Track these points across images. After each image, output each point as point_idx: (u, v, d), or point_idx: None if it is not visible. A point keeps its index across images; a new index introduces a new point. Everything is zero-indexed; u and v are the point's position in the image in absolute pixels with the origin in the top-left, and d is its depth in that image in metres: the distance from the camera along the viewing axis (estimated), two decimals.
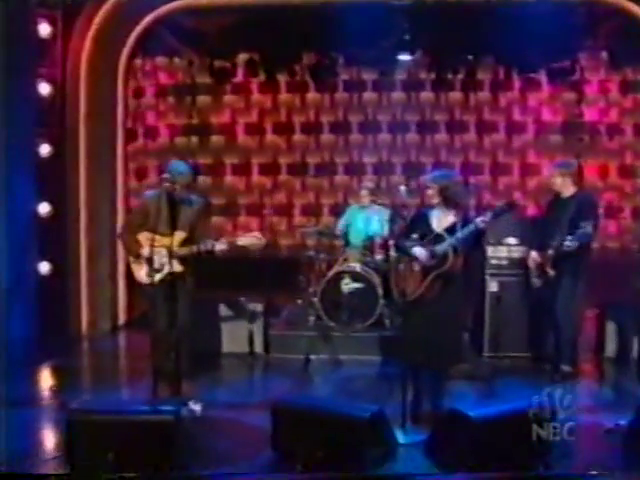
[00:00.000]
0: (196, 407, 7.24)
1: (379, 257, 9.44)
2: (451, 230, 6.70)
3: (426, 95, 12.89)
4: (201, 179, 13.25)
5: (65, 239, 10.07)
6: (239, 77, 12.99)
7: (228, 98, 13.26)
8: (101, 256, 10.28)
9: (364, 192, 9.94)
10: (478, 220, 6.58)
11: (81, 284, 10.20)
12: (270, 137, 13.26)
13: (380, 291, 9.07)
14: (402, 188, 7.13)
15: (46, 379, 8.60)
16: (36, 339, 9.29)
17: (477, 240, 6.80)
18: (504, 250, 8.86)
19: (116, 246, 10.30)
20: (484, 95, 12.79)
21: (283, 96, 13.19)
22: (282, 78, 12.96)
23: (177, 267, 7.39)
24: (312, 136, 13.18)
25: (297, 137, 13.21)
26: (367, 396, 7.76)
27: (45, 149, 9.80)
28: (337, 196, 13.12)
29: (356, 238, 9.84)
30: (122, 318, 10.69)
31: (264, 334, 9.18)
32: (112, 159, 10.44)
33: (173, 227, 7.44)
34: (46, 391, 8.04)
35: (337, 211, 12.58)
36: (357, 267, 9.29)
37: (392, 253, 8.63)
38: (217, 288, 9.38)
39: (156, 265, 7.35)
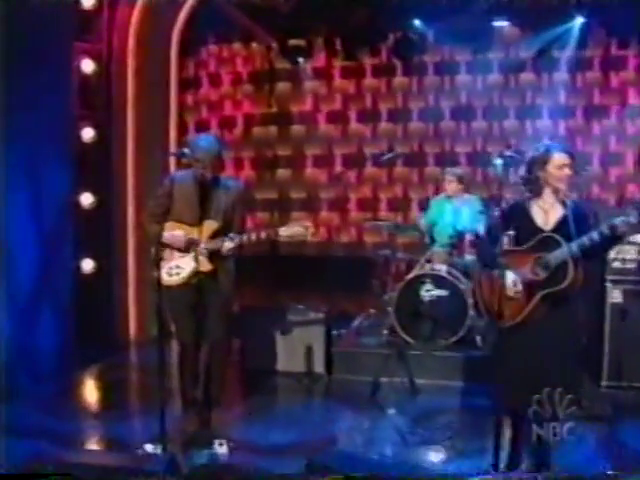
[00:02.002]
0: (221, 450, 4.96)
1: (470, 258, 6.86)
2: (562, 228, 4.15)
3: (526, 76, 10.16)
4: (281, 172, 10.98)
5: (110, 234, 7.89)
6: (319, 62, 10.61)
7: (309, 84, 10.89)
8: (149, 253, 7.99)
9: (450, 177, 7.35)
10: (618, 221, 3.98)
11: (128, 284, 7.99)
12: (354, 125, 10.81)
13: (470, 300, 6.50)
14: (497, 161, 4.49)
15: (79, 398, 6.42)
16: (72, 346, 7.15)
17: (608, 247, 4.21)
18: (631, 250, 6.11)
19: None
20: (593, 75, 9.97)
21: (367, 81, 10.70)
22: (366, 61, 10.50)
23: (205, 265, 5.17)
24: (400, 124, 10.67)
25: (383, 125, 10.72)
26: (450, 435, 5.30)
27: (88, 134, 7.66)
28: (427, 189, 10.53)
29: (442, 235, 7.26)
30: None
31: (325, 350, 6.70)
32: (164, 146, 8.17)
33: (203, 216, 5.23)
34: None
35: (427, 205, 10.12)
36: (442, 270, 6.73)
37: None
38: (267, 292, 7.00)
39: (179, 262, 5.20)
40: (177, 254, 5.28)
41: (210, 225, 5.23)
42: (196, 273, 5.22)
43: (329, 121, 10.87)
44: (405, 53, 9.44)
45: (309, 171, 10.96)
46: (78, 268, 7.64)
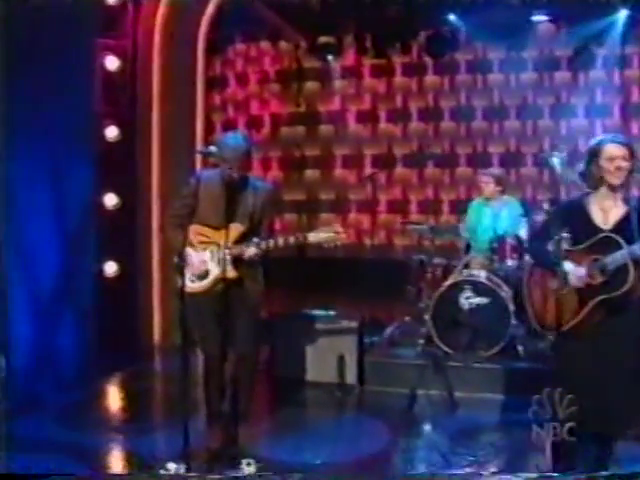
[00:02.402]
0: (249, 469, 4.49)
1: (511, 263, 6.32)
2: (623, 228, 3.65)
3: (561, 75, 9.59)
4: (309, 172, 10.51)
5: (134, 236, 7.45)
6: (349, 60, 10.12)
7: (337, 83, 10.41)
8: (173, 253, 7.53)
9: (487, 179, 6.81)
10: None
11: (153, 287, 7.55)
12: (384, 125, 10.31)
13: (512, 307, 5.98)
14: (555, 157, 3.95)
15: (101, 409, 5.97)
16: (94, 353, 6.72)
17: None
18: None
19: None
20: (632, 73, 9.38)
21: (398, 79, 10.21)
22: (396, 59, 9.99)
23: (230, 272, 4.67)
24: (431, 124, 10.15)
25: (414, 125, 10.21)
26: (494, 455, 4.77)
27: (112, 132, 7.22)
28: (459, 191, 10.00)
29: (481, 239, 6.71)
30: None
31: (358, 360, 6.18)
32: (190, 145, 7.69)
33: (229, 218, 4.71)
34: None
35: (459, 207, 9.59)
36: (482, 276, 6.20)
37: (528, 259, 5.62)
38: (295, 297, 6.52)
39: (201, 267, 4.74)
40: (200, 259, 4.81)
41: (236, 228, 4.75)
42: (221, 280, 4.76)
43: (358, 121, 10.39)
44: (437, 50, 8.90)
45: (338, 172, 10.49)
46: (101, 271, 7.21)
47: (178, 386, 5.17)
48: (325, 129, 10.48)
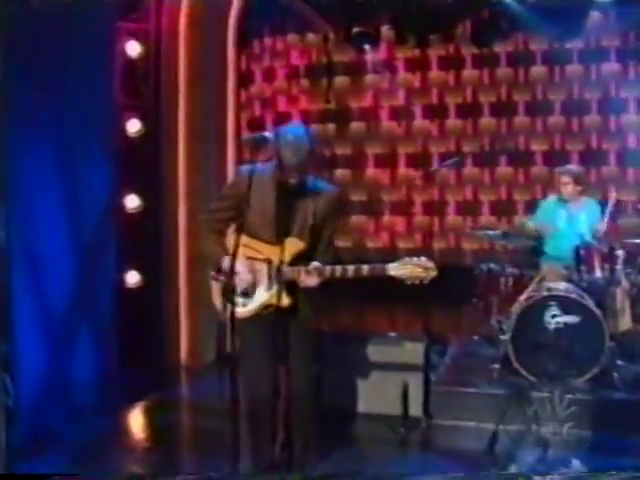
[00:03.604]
0: None
1: (597, 275, 5.04)
2: None
3: (609, 67, 8.33)
4: (340, 172, 9.27)
5: (159, 242, 6.18)
6: (382, 54, 8.88)
7: (370, 78, 9.17)
8: (207, 264, 6.24)
9: (566, 178, 5.53)
10: None
11: (180, 300, 6.28)
12: (419, 122, 9.06)
13: (606, 328, 4.74)
14: None
15: (122, 444, 4.72)
16: (114, 376, 5.48)
17: None
18: None
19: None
20: None
21: (434, 74, 8.98)
22: (432, 52, 8.75)
23: (284, 298, 3.51)
24: (469, 120, 8.90)
25: (451, 122, 8.96)
26: None
27: (134, 126, 5.95)
28: (499, 192, 8.76)
29: (556, 245, 5.46)
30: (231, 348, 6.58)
31: (425, 389, 4.89)
32: (222, 141, 6.42)
33: (284, 231, 3.55)
34: None
35: (504, 210, 8.43)
36: (569, 290, 4.94)
37: (620, 268, 4.40)
38: (349, 314, 5.25)
39: (246, 288, 3.60)
40: (246, 279, 3.59)
41: (293, 245, 3.54)
42: (270, 306, 3.54)
43: (392, 117, 9.14)
44: (482, 41, 7.61)
45: (370, 171, 9.24)
46: (122, 282, 5.96)
47: (212, 415, 4.02)
48: (356, 126, 9.26)
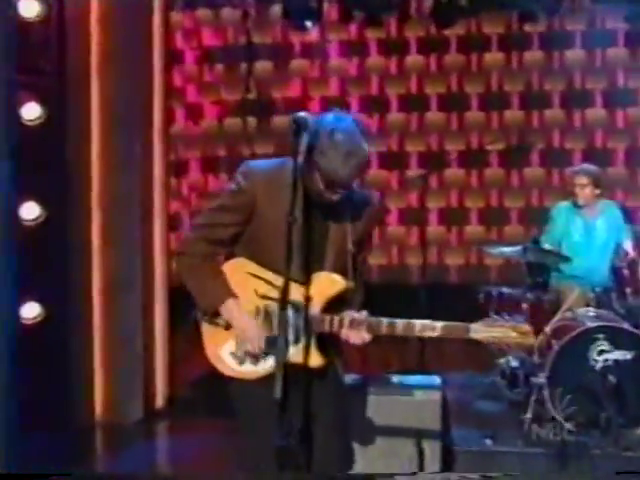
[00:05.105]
0: None
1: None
2: None
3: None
4: None
5: (66, 264, 5.08)
6: (312, 35, 8.13)
7: (298, 63, 8.40)
8: (127, 295, 5.20)
9: (583, 180, 4.94)
10: None
11: (94, 341, 5.19)
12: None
13: None
14: None
15: None
16: (10, 439, 4.34)
17: None
18: None
19: (153, 278, 5.34)
20: None
21: (373, 60, 8.33)
22: (378, 34, 8.10)
23: (315, 358, 2.65)
24: (414, 114, 8.30)
25: (393, 116, 8.32)
26: None
27: (32, 111, 4.84)
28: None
29: (571, 262, 4.83)
30: (162, 398, 5.51)
31: (442, 446, 4.06)
32: (147, 133, 5.40)
33: (316, 263, 2.68)
34: None
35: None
36: (616, 319, 4.34)
37: None
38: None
39: (257, 340, 2.69)
40: (257, 327, 2.69)
41: (328, 282, 2.66)
42: (293, 366, 2.65)
43: (323, 110, 8.36)
44: (443, 19, 7.00)
45: None
46: (17, 316, 4.81)
47: None
48: (281, 121, 8.44)
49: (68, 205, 5.05)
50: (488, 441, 4.16)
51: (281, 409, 2.39)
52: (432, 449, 4.01)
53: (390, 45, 8.17)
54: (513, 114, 8.02)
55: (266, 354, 2.65)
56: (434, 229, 7.97)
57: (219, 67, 8.40)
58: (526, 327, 2.59)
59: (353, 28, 8.16)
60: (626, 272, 4.41)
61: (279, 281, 2.54)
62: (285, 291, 2.43)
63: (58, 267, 5.03)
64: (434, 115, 8.22)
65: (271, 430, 2.56)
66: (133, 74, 5.19)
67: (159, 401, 5.40)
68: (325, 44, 8.21)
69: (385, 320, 2.61)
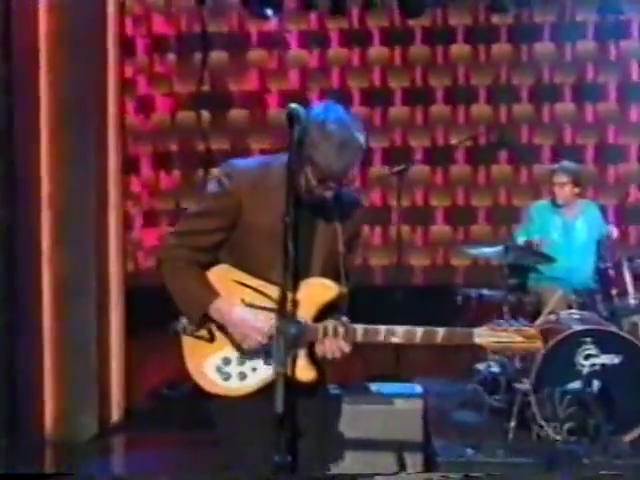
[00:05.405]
0: None
1: (633, 302, 4.34)
2: None
3: (629, 44, 7.70)
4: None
5: (14, 270, 4.79)
6: (270, 24, 7.96)
7: (255, 54, 8.21)
8: (80, 299, 4.92)
9: (563, 177, 4.84)
10: None
11: (44, 350, 4.92)
12: None
13: None
14: None
15: None
16: None
17: None
18: None
19: (108, 280, 5.08)
20: None
21: (334, 51, 8.19)
22: (341, 24, 7.97)
23: (305, 370, 2.50)
24: (377, 109, 8.18)
25: (355, 110, 8.19)
26: None
27: None
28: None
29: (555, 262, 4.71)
30: (118, 410, 5.24)
31: (425, 459, 3.92)
32: (101, 126, 5.12)
33: (304, 268, 2.51)
34: None
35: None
36: (602, 322, 4.27)
37: None
38: None
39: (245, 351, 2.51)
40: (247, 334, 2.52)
41: (320, 288, 2.52)
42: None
43: (282, 105, 8.20)
44: (409, 9, 6.88)
45: None
46: None
47: None
48: (237, 115, 8.25)
49: (15, 204, 4.75)
50: (471, 451, 4.04)
51: (281, 425, 2.23)
52: (414, 460, 3.89)
53: (352, 36, 8.03)
54: (480, 109, 7.93)
55: (267, 355, 2.47)
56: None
57: (171, 57, 8.15)
58: (532, 330, 2.53)
59: (313, 18, 7.98)
60: (612, 273, 4.33)
61: (267, 288, 2.49)
62: (283, 299, 2.33)
63: (6, 273, 4.75)
64: (398, 109, 8.10)
65: (256, 447, 2.44)
66: (85, 63, 4.92)
67: (115, 414, 5.13)
68: (284, 34, 8.01)
69: (383, 328, 2.48)
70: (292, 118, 2.33)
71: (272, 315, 2.45)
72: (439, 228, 7.96)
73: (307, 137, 2.37)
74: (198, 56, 7.97)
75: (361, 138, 2.42)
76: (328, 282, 2.50)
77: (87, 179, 4.97)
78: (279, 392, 2.22)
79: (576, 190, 4.83)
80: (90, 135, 4.95)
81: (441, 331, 2.48)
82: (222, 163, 2.63)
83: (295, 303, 2.44)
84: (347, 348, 2.48)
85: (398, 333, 2.48)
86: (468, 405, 4.62)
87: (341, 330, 2.47)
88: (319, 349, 2.49)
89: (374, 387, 4.06)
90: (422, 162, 7.93)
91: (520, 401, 4.10)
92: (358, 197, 2.74)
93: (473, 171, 7.94)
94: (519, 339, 2.49)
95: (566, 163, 5.01)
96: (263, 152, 8.14)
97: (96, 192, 5.02)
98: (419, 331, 2.47)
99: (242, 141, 8.23)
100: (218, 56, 8.14)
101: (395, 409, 3.90)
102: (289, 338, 2.32)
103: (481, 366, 4.67)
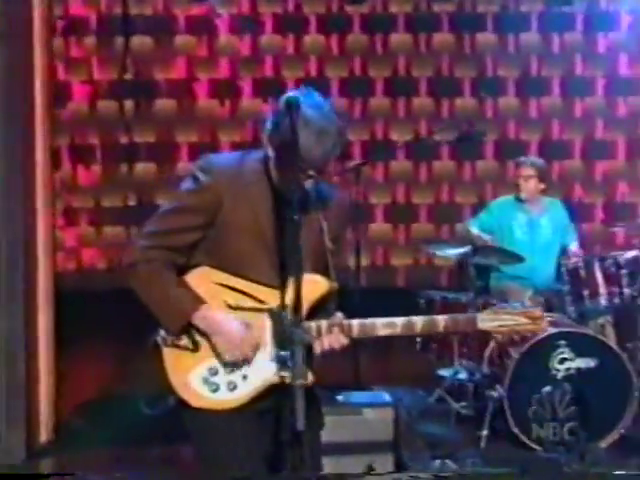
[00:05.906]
0: None
1: (604, 302, 4.35)
2: None
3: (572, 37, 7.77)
4: (141, 167, 7.97)
5: None
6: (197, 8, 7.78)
7: (182, 40, 7.98)
8: (7, 305, 4.61)
9: (529, 171, 4.83)
10: None
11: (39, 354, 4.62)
12: (248, 102, 8.03)
13: (632, 371, 4.09)
14: None
15: None
16: None
17: None
18: None
19: (36, 284, 4.78)
20: None
21: (267, 38, 8.03)
22: (269, 9, 7.84)
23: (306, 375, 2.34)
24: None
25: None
26: None
27: None
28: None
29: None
30: (46, 432, 4.86)
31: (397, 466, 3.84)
32: (28, 114, 4.81)
33: (294, 264, 2.34)
34: None
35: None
36: (573, 324, 4.27)
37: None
38: None
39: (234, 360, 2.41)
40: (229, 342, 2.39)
41: (312, 285, 2.42)
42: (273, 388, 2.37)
43: (212, 94, 8.00)
44: None
45: (182, 166, 7.98)
46: None
47: None
48: (163, 105, 8.00)
49: None
50: (441, 462, 3.98)
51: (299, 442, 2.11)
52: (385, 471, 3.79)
53: (287, 22, 7.88)
54: (421, 101, 7.92)
55: (239, 375, 2.35)
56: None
57: (90, 40, 7.82)
58: (538, 312, 2.54)
59: (245, 1, 7.82)
60: (583, 273, 4.34)
61: (253, 289, 2.33)
62: (282, 299, 2.32)
63: None
64: (337, 101, 8.00)
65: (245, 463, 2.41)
66: (10, 43, 4.63)
67: (43, 435, 4.84)
68: (214, 19, 7.81)
69: (379, 321, 2.45)
70: (291, 106, 2.21)
71: (265, 321, 2.35)
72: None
73: (284, 124, 2.27)
74: (120, 40, 7.69)
75: (341, 124, 2.39)
76: (319, 277, 2.45)
77: (12, 171, 4.68)
78: (299, 407, 2.08)
79: (541, 186, 4.84)
80: (15, 124, 4.65)
81: (443, 319, 2.45)
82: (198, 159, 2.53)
83: (288, 299, 2.36)
84: (345, 340, 2.43)
85: (397, 325, 2.45)
86: (433, 413, 4.55)
87: (336, 328, 2.42)
88: (316, 346, 2.43)
89: (340, 397, 3.94)
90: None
91: (492, 408, 4.04)
92: (343, 195, 2.72)
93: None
94: (524, 321, 2.50)
95: (533, 157, 5.02)
96: (191, 146, 7.96)
97: (23, 185, 4.72)
98: (419, 321, 2.45)
99: (169, 133, 7.98)
100: (142, 41, 7.87)
101: (365, 419, 3.79)
102: (305, 346, 2.21)
103: (446, 372, 4.61)
